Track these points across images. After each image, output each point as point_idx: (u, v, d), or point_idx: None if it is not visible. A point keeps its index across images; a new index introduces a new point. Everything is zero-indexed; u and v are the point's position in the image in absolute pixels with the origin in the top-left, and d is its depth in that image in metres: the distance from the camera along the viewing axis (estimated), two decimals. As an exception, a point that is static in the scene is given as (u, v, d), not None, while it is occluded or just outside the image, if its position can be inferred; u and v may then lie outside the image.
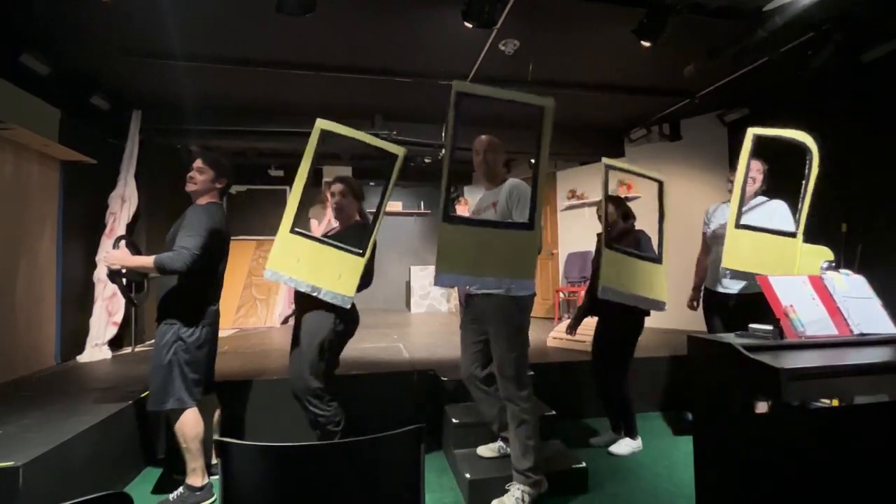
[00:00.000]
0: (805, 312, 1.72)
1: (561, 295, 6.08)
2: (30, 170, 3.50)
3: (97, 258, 4.05)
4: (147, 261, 2.14)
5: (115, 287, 4.04)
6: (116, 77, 3.90)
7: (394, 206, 7.78)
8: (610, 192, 5.82)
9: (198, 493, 2.24)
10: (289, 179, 6.83)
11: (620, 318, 2.75)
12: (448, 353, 3.94)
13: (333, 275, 2.14)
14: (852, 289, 1.84)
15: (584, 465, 2.43)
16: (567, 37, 3.43)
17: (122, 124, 4.31)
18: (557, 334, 4.18)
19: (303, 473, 1.07)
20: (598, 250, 2.61)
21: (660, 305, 2.57)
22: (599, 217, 2.89)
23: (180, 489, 2.25)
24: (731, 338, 1.75)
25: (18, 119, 3.12)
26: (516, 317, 2.16)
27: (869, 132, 3.59)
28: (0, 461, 1.77)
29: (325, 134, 2.19)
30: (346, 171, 6.54)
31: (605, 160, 2.62)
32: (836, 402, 2.81)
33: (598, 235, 2.62)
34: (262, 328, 5.78)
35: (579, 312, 3.05)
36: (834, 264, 2.18)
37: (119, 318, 4.11)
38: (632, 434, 2.88)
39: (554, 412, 2.80)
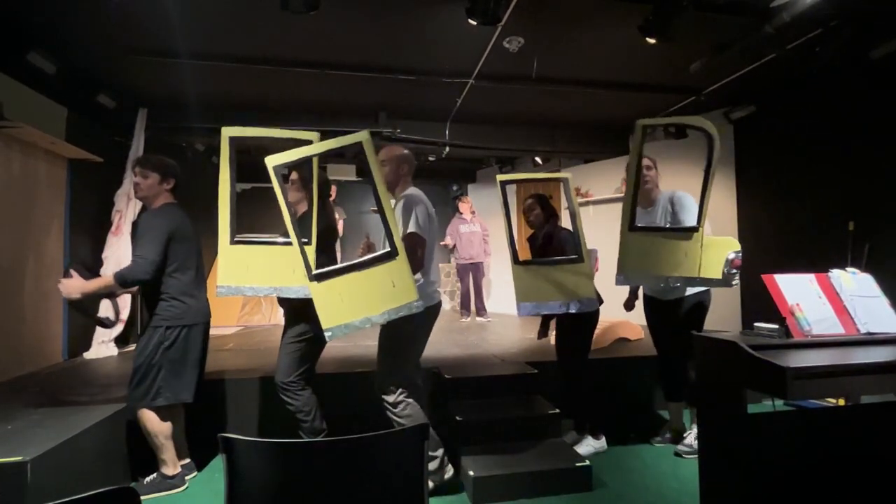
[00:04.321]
0: (811, 311, 1.71)
1: (565, 293, 6.06)
2: (37, 167, 3.53)
3: (104, 255, 4.08)
4: (107, 281, 2.16)
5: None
6: (122, 75, 3.91)
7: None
8: (613, 192, 5.83)
9: (169, 480, 2.34)
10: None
11: (574, 316, 2.67)
12: (451, 352, 3.95)
13: (287, 271, 2.09)
14: (860, 287, 1.82)
15: (587, 463, 2.42)
16: (572, 34, 3.42)
17: (128, 122, 4.33)
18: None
19: (308, 469, 1.08)
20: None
21: (592, 303, 2.53)
22: (528, 219, 2.91)
23: (154, 475, 2.35)
24: (736, 336, 1.74)
25: (26, 117, 3.14)
26: (398, 323, 2.08)
27: (877, 129, 3.55)
28: (9, 456, 1.79)
29: (234, 141, 2.07)
30: (350, 169, 6.55)
31: (498, 177, 2.62)
32: (842, 402, 2.79)
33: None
34: (266, 325, 5.80)
35: (543, 318, 3.06)
36: (741, 254, 2.10)
37: (125, 315, 4.14)
38: (595, 433, 2.82)
39: (558, 410, 2.80)
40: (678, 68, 3.73)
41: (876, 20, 3.13)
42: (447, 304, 7.34)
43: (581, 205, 6.21)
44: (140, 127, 4.36)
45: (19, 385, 2.99)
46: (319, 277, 1.96)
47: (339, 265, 2.02)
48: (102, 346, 3.96)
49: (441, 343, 4.30)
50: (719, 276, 2.13)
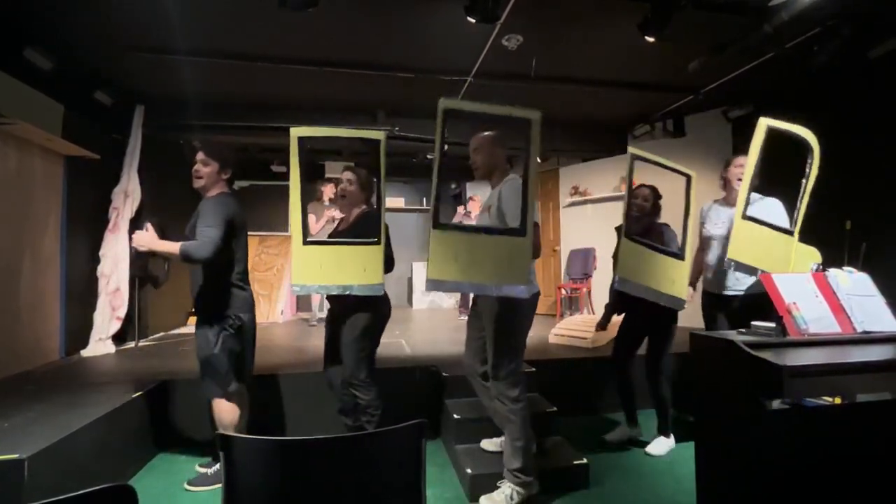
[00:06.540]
0: (808, 310, 1.71)
1: (563, 292, 6.07)
2: (33, 164, 3.51)
3: (101, 253, 4.07)
4: (173, 247, 2.16)
5: (118, 281, 4.07)
6: (119, 72, 3.90)
7: (396, 202, 7.77)
8: (611, 191, 5.83)
9: None
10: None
11: (648, 314, 2.67)
12: (450, 349, 3.94)
13: (358, 269, 2.19)
14: (856, 286, 1.83)
15: (585, 461, 2.43)
16: (570, 32, 3.41)
17: (125, 119, 4.31)
18: (559, 331, 4.18)
19: (305, 467, 1.08)
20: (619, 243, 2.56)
21: (679, 303, 2.52)
22: (633, 205, 2.75)
23: (217, 465, 2.35)
24: (733, 335, 1.75)
25: (22, 114, 3.12)
26: (507, 317, 2.15)
27: (875, 129, 3.56)
28: (6, 454, 1.79)
29: (303, 141, 2.15)
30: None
31: (630, 149, 2.56)
32: (838, 400, 2.80)
33: (617, 229, 2.55)
34: (264, 323, 5.79)
35: (608, 310, 3.04)
36: (822, 267, 2.13)
37: (122, 312, 4.13)
38: (666, 432, 2.84)
39: (555, 408, 2.81)
40: (677, 67, 3.73)
41: (874, 20, 3.14)
42: (446, 302, 7.34)
43: (579, 203, 6.22)
44: (137, 124, 4.35)
45: (16, 383, 2.98)
46: (442, 226, 1.96)
47: (465, 224, 2.08)
48: (100, 343, 3.95)
49: (440, 341, 4.30)
50: None
